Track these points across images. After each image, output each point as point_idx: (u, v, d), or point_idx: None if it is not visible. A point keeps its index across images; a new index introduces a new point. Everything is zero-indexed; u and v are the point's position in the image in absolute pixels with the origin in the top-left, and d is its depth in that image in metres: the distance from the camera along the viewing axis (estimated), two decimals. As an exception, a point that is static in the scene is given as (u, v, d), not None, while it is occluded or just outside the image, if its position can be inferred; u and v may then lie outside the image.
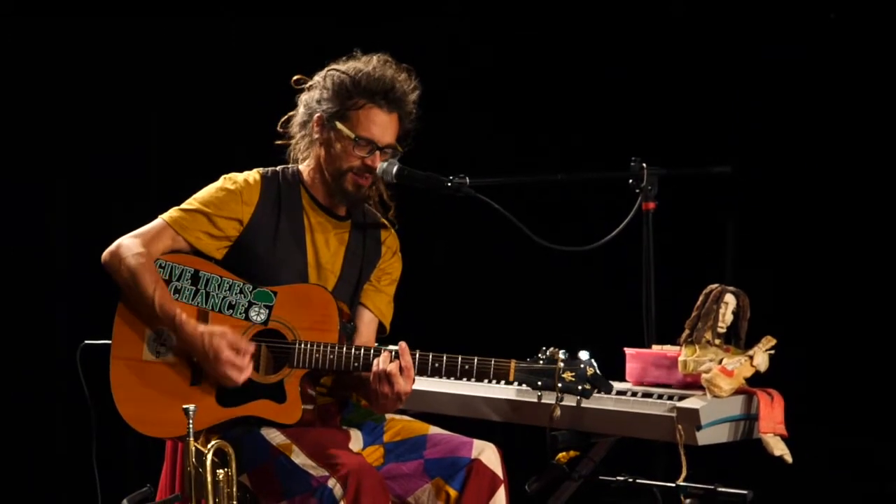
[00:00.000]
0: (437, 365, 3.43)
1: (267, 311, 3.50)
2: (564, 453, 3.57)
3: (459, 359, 3.42)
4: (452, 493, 3.45)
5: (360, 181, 3.59)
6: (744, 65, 5.06)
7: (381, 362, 3.42)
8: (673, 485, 3.33)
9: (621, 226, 3.80)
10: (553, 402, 3.35)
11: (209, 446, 3.26)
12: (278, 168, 3.67)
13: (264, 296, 3.51)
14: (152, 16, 5.29)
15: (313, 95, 3.62)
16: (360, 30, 5.35)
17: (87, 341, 3.65)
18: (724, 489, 3.26)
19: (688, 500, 3.28)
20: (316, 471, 3.33)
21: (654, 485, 3.47)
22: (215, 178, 3.64)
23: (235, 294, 3.51)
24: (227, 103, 5.23)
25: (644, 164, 3.86)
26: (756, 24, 5.05)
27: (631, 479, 3.44)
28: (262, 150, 3.81)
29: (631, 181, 3.87)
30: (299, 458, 3.38)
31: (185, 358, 3.49)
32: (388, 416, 3.61)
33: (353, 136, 3.55)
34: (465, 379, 3.46)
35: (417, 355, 3.44)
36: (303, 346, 3.45)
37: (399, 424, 3.57)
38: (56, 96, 5.22)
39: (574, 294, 5.23)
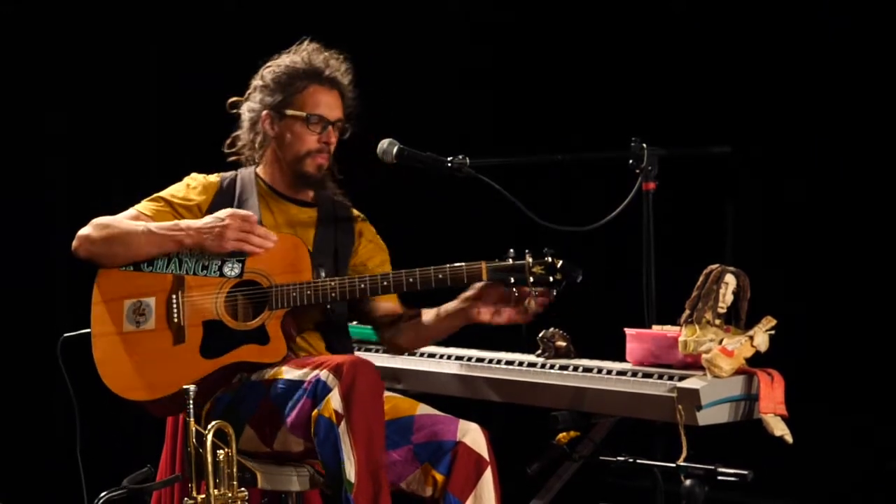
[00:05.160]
0: (411, 280, 3.49)
1: (240, 266, 3.58)
2: (564, 434, 3.57)
3: (432, 269, 3.48)
4: (439, 477, 3.44)
5: (320, 160, 3.68)
6: (745, 44, 5.04)
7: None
8: (673, 465, 3.32)
9: (622, 206, 3.79)
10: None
11: (209, 427, 3.26)
12: (236, 171, 3.79)
13: (236, 253, 3.58)
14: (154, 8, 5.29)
15: (255, 98, 3.73)
16: (358, 18, 5.35)
17: (66, 335, 3.66)
18: (724, 469, 3.25)
19: (688, 481, 3.28)
20: (307, 375, 3.35)
21: (654, 465, 3.47)
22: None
23: (207, 257, 3.58)
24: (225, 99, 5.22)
25: (644, 145, 3.85)
26: (756, 3, 5.04)
27: (631, 460, 3.44)
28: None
29: (631, 161, 3.86)
30: (291, 373, 3.40)
31: (166, 321, 3.54)
32: None
33: (304, 114, 3.65)
34: (441, 287, 3.52)
35: (391, 276, 3.51)
36: (279, 288, 3.52)
37: (389, 403, 3.54)
38: (56, 94, 5.20)
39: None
